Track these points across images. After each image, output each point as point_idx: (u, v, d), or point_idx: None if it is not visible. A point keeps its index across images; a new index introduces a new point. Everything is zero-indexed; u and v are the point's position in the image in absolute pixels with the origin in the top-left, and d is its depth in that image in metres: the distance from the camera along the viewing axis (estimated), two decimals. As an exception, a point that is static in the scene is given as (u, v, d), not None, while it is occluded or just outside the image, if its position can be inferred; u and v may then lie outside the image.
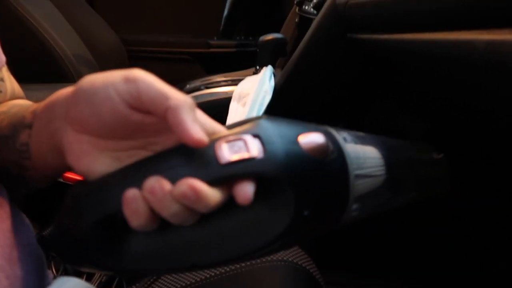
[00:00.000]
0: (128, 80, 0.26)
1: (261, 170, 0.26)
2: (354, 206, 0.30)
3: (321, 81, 0.73)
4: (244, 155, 0.25)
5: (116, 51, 1.41)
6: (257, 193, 0.26)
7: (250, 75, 0.86)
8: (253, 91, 0.73)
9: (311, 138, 0.28)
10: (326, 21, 0.68)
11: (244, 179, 0.25)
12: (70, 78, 0.98)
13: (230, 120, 0.72)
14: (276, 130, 0.27)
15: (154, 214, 0.25)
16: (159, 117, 0.26)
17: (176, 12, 1.61)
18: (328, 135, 0.30)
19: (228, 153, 0.25)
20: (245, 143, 0.26)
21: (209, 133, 0.26)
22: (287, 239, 0.29)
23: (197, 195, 0.23)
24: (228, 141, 0.26)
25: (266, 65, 0.83)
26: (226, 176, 0.25)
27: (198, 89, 0.87)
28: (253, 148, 0.26)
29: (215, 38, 1.58)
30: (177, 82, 1.31)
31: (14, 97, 0.41)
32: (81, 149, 0.27)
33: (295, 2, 0.92)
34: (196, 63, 1.61)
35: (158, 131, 0.27)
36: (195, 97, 0.83)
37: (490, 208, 0.71)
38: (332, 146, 0.29)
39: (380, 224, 0.81)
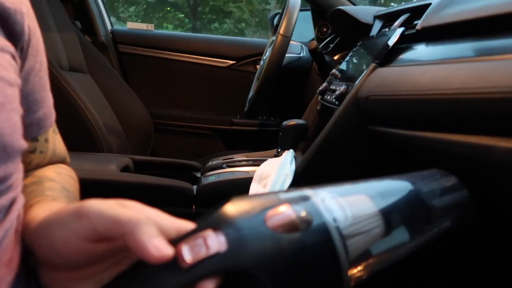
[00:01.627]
0: (79, 216, 0.26)
1: (224, 265, 0.25)
2: (357, 268, 0.28)
3: (342, 168, 0.75)
4: (203, 254, 0.25)
5: (144, 124, 1.48)
6: (234, 283, 0.26)
7: (271, 156, 0.89)
8: (274, 173, 0.75)
9: (278, 215, 0.26)
10: (347, 113, 0.72)
11: (206, 278, 0.25)
12: (99, 147, 1.03)
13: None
14: (240, 214, 0.26)
15: None
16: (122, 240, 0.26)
17: (201, 91, 1.71)
18: (299, 202, 0.27)
19: (188, 255, 0.25)
20: (204, 240, 0.25)
21: (174, 235, 0.26)
22: None
23: None
24: (187, 243, 0.25)
25: (288, 149, 0.86)
26: (190, 280, 0.25)
27: (220, 167, 0.90)
28: (213, 244, 0.25)
29: (238, 117, 1.66)
30: (198, 155, 1.36)
31: (54, 158, 0.43)
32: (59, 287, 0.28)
33: (317, 91, 0.97)
34: (218, 138, 1.67)
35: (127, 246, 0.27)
36: (217, 175, 0.86)
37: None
38: (306, 215, 0.26)
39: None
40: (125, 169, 0.88)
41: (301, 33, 1.68)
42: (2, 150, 0.27)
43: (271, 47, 1.04)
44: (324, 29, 1.47)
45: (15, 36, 0.32)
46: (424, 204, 0.34)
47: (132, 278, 0.26)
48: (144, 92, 1.58)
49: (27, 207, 0.33)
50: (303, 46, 1.43)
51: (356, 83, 0.73)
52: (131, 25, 1.77)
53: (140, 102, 1.48)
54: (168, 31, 6.53)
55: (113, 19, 1.74)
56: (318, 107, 0.98)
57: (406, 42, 0.71)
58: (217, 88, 1.70)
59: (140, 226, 0.25)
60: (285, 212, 0.26)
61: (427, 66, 0.56)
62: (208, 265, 0.25)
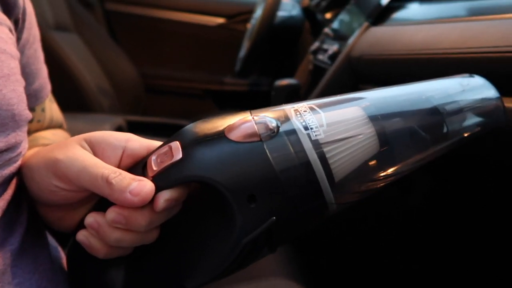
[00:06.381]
0: (58, 177, 0.27)
1: (181, 175, 0.24)
2: (347, 183, 0.26)
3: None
4: (167, 163, 0.25)
5: (134, 84, 1.47)
6: (207, 203, 0.26)
7: (263, 116, 0.89)
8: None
9: (239, 125, 0.25)
10: (340, 72, 0.73)
11: (169, 187, 0.24)
12: (90, 107, 1.03)
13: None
14: (201, 129, 0.26)
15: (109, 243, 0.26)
16: None
17: (191, 51, 1.68)
18: (268, 114, 0.26)
19: (154, 165, 0.25)
20: (170, 149, 0.25)
21: (145, 154, 0.27)
22: (253, 241, 0.25)
23: (125, 217, 0.24)
24: (155, 154, 0.26)
25: (280, 108, 0.87)
26: (158, 189, 0.25)
27: (213, 126, 0.91)
28: (177, 154, 0.25)
29: (229, 76, 1.64)
30: (190, 115, 1.36)
31: (51, 125, 0.45)
32: (55, 217, 0.30)
33: (309, 51, 0.97)
34: (209, 99, 1.66)
35: None
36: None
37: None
38: (271, 125, 0.25)
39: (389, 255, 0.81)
40: (118, 129, 0.89)
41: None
42: (12, 119, 0.28)
43: (263, 5, 1.02)
44: (317, -14, 1.44)
45: (9, 8, 0.32)
46: (437, 112, 0.29)
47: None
48: (133, 52, 1.54)
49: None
50: (295, 3, 1.40)
51: (348, 42, 0.73)
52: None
53: (129, 61, 1.46)
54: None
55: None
56: (310, 67, 0.98)
57: (399, 0, 0.71)
58: (207, 48, 1.67)
59: (111, 184, 0.25)
60: (247, 122, 0.25)
61: (420, 26, 0.56)
62: (169, 175, 0.24)
